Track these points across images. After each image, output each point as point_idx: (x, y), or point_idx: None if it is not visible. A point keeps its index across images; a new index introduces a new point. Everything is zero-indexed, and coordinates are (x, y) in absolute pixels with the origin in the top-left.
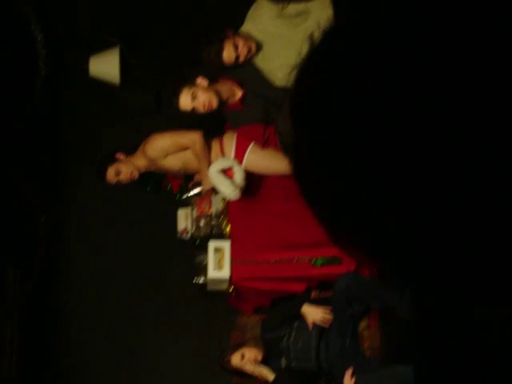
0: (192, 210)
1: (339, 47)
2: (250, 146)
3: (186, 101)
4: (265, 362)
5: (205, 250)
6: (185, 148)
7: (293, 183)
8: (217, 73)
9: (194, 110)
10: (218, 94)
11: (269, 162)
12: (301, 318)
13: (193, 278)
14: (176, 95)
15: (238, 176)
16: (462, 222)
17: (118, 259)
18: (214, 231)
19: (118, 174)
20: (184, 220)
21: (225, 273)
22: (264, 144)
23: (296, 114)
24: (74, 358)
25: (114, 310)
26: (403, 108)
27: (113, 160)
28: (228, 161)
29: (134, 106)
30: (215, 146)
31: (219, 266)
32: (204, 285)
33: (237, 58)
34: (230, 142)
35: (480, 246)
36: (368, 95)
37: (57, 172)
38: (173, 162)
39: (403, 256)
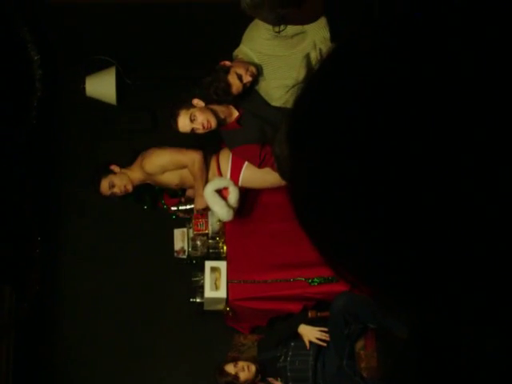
0: (188, 229)
1: (338, 74)
2: (246, 163)
3: (184, 123)
4: (261, 380)
5: (201, 269)
6: (183, 166)
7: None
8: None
9: (193, 130)
10: (216, 114)
11: (265, 175)
12: (297, 337)
13: (189, 298)
14: (174, 118)
15: (233, 197)
16: (450, 252)
17: (115, 278)
18: (210, 251)
19: (111, 186)
20: (181, 239)
21: (221, 293)
22: (260, 164)
23: (293, 141)
24: (69, 378)
25: (109, 330)
26: (404, 138)
27: (107, 171)
28: (224, 181)
29: (130, 126)
30: (212, 162)
31: (216, 286)
32: (201, 304)
33: (244, 86)
34: (226, 157)
35: (471, 275)
36: (368, 125)
37: (53, 191)
38: (170, 178)
39: (394, 286)
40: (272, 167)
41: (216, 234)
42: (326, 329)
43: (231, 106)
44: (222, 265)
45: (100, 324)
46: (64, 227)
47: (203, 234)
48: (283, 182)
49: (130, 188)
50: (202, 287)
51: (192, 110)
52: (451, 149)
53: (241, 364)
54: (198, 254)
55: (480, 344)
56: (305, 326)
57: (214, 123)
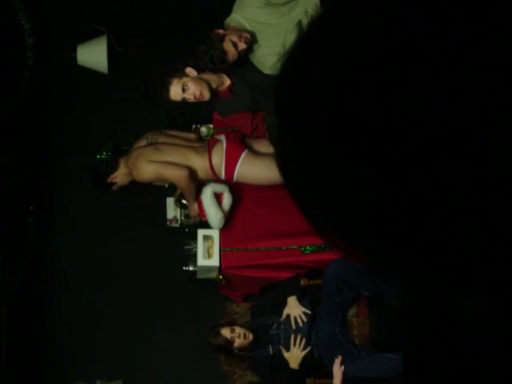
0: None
1: (325, 36)
2: (241, 159)
3: (176, 92)
4: (254, 348)
5: (194, 238)
6: (169, 181)
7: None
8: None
9: (184, 100)
10: (209, 84)
11: (260, 173)
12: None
13: (182, 266)
14: (166, 86)
15: (227, 203)
16: (445, 208)
17: (108, 247)
18: (203, 219)
19: (119, 188)
20: (173, 208)
21: (214, 261)
22: (252, 132)
23: (280, 102)
24: (63, 346)
25: (103, 298)
26: (390, 95)
27: (109, 186)
28: (221, 186)
29: (121, 95)
30: (203, 158)
31: (209, 254)
32: (193, 273)
33: (239, 53)
34: (219, 153)
35: (464, 234)
36: (354, 85)
37: (45, 161)
38: (161, 183)
39: (387, 249)
40: (264, 136)
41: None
42: (309, 312)
43: (223, 75)
44: (215, 233)
45: (93, 292)
46: (56, 196)
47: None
48: (277, 181)
49: (206, 95)
50: (194, 255)
51: (184, 80)
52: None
53: (237, 330)
54: (191, 222)
55: (471, 306)
56: (295, 301)
57: (206, 95)
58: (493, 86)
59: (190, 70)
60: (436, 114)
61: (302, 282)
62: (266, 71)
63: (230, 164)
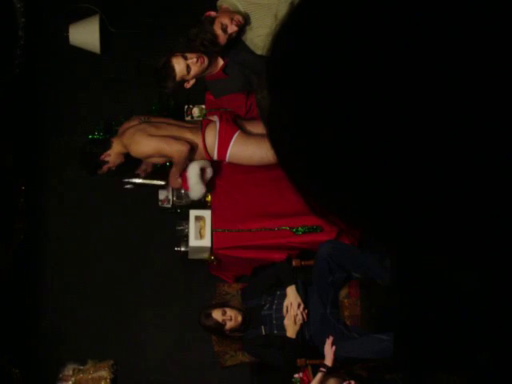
0: None
1: (311, 12)
2: (233, 139)
3: (179, 64)
4: (246, 328)
5: (186, 218)
6: (168, 156)
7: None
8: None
9: (188, 68)
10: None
11: (252, 153)
12: (282, 286)
13: (174, 247)
14: (169, 63)
15: (208, 177)
16: (439, 179)
17: (99, 227)
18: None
19: (109, 170)
20: (165, 189)
21: (206, 242)
22: (246, 113)
23: (270, 76)
24: (54, 326)
25: (95, 278)
26: (380, 65)
27: (101, 164)
28: (205, 162)
29: (113, 75)
30: (197, 138)
31: (200, 234)
32: (185, 253)
33: (229, 36)
34: (212, 133)
35: (457, 206)
36: (341, 57)
37: (37, 141)
38: (156, 160)
39: (381, 218)
40: (258, 116)
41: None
42: (305, 310)
43: (216, 56)
44: (207, 214)
45: (85, 273)
46: (48, 177)
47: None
48: (270, 162)
49: (122, 159)
50: (186, 236)
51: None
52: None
53: (229, 313)
54: (183, 202)
55: (460, 282)
56: (294, 292)
57: (206, 60)
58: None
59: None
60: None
61: (293, 263)
62: (259, 52)
63: (223, 144)
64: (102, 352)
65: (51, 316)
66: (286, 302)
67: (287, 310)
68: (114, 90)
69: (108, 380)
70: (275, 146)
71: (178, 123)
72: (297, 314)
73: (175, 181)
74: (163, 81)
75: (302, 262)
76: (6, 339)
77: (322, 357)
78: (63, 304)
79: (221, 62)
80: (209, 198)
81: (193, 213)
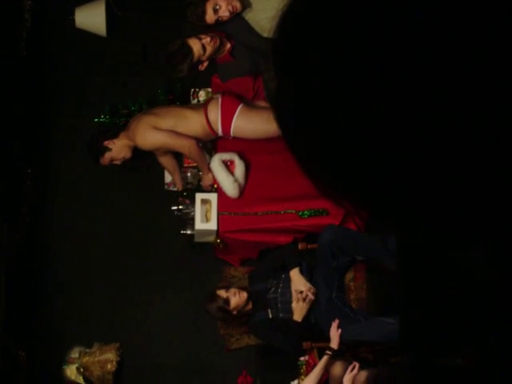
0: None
1: None
2: (237, 112)
3: (195, 45)
4: (252, 312)
5: (192, 202)
6: (176, 151)
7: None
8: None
9: (204, 49)
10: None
11: (257, 125)
12: (288, 270)
13: (180, 230)
14: (185, 44)
15: (239, 170)
16: (445, 159)
17: (105, 210)
18: (201, 183)
19: (111, 161)
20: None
21: (212, 225)
22: (254, 96)
23: (277, 57)
24: (61, 309)
25: (101, 261)
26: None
27: (103, 150)
28: (229, 154)
29: (120, 58)
30: (199, 114)
31: (206, 218)
32: (191, 236)
33: (218, 19)
34: (215, 108)
35: (461, 185)
36: (350, 35)
37: (43, 124)
38: (160, 152)
39: (388, 199)
40: (265, 100)
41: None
42: (313, 289)
43: (224, 38)
44: (213, 197)
45: (91, 255)
46: (54, 160)
47: (194, 167)
48: (273, 133)
49: (128, 154)
50: (192, 219)
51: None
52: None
53: (232, 290)
54: (189, 186)
55: (466, 259)
56: (298, 275)
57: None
58: None
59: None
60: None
61: (299, 247)
62: (265, 34)
63: (226, 118)
64: (108, 335)
65: (58, 299)
66: (295, 287)
67: (284, 280)
68: (120, 73)
69: (114, 362)
70: (282, 126)
71: (180, 106)
72: (307, 296)
73: (206, 177)
74: (179, 63)
75: (308, 245)
76: (13, 322)
77: (328, 340)
78: (70, 287)
79: (228, 45)
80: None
81: (199, 196)
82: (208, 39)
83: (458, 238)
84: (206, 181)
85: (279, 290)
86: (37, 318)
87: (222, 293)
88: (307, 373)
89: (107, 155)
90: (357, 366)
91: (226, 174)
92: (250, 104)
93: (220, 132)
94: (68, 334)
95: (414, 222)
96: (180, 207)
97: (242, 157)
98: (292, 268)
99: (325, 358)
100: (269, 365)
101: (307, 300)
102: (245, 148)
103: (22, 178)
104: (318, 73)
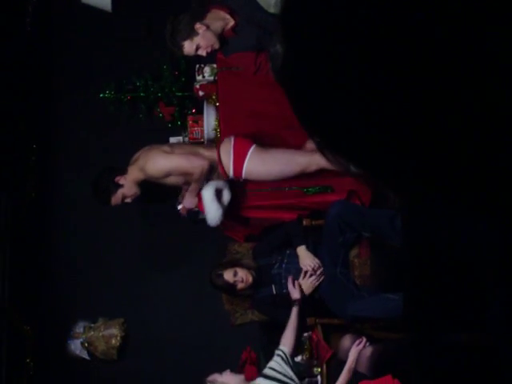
0: (184, 138)
1: None
2: (249, 155)
3: (189, 51)
4: (256, 287)
5: None
6: (189, 174)
7: (287, 113)
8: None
9: (197, 51)
10: (217, 34)
11: (270, 167)
12: (293, 246)
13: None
14: (179, 48)
15: (226, 200)
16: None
17: None
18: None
19: (123, 198)
20: None
21: None
22: (256, 71)
23: (284, 29)
24: (66, 284)
25: (105, 236)
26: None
27: (115, 187)
28: (222, 183)
29: (125, 34)
30: (212, 152)
31: None
32: (196, 212)
33: None
34: (227, 151)
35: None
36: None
37: (48, 100)
38: (174, 180)
39: (393, 163)
40: (267, 74)
41: (212, 142)
42: (320, 266)
43: (227, 15)
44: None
45: (96, 231)
46: (59, 134)
47: (199, 143)
48: (288, 173)
49: (217, 45)
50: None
51: (195, 39)
52: None
53: (240, 274)
54: None
55: (472, 231)
56: (305, 251)
57: (217, 45)
58: None
59: (198, 26)
60: None
61: (304, 223)
62: (272, 10)
63: (239, 159)
64: (113, 310)
65: (63, 274)
66: (303, 263)
67: (289, 256)
68: (125, 48)
69: (118, 338)
70: (290, 95)
71: (193, 145)
72: (314, 273)
73: (192, 199)
74: (184, 40)
75: (313, 222)
76: (18, 296)
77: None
78: (75, 262)
79: (232, 22)
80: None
81: None
82: (203, 48)
83: (463, 206)
84: (190, 203)
85: (283, 266)
86: (42, 293)
87: (230, 276)
88: (311, 349)
89: (119, 192)
90: (364, 340)
91: (217, 207)
92: (263, 144)
93: (231, 174)
94: (73, 309)
95: (419, 188)
96: None
97: (231, 187)
98: (298, 245)
99: (294, 309)
100: (272, 340)
101: (316, 276)
102: (249, 125)
103: (27, 153)
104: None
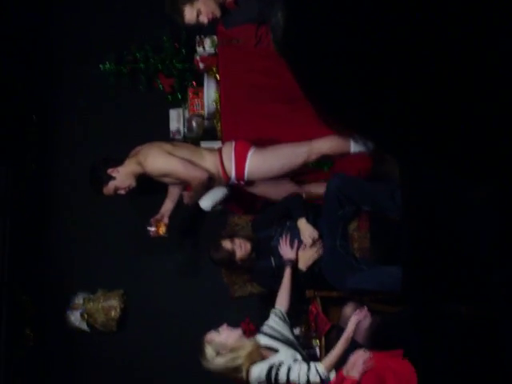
0: (184, 110)
1: None
2: (249, 155)
3: (190, 18)
4: (256, 259)
5: None
6: (182, 181)
7: (287, 86)
8: None
9: (198, 22)
10: (218, 2)
11: (272, 163)
12: (292, 218)
13: None
14: (179, 13)
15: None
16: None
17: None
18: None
19: (115, 190)
20: (176, 120)
21: None
22: (256, 44)
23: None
24: (65, 255)
25: (105, 208)
26: None
27: (107, 178)
28: (220, 193)
29: (125, 4)
30: (214, 155)
31: None
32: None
33: None
34: (228, 153)
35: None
36: None
37: (48, 70)
38: (171, 181)
39: (393, 130)
40: (268, 47)
41: (212, 114)
42: (320, 239)
43: None
44: (217, 145)
45: (96, 203)
46: (59, 106)
47: (199, 115)
48: (290, 166)
49: (133, 183)
50: None
51: (196, 4)
52: None
53: (237, 241)
54: (194, 135)
55: (471, 201)
56: (305, 224)
57: (218, 14)
58: None
59: None
60: None
61: (304, 195)
62: None
63: (240, 161)
64: (113, 282)
65: (63, 245)
66: (303, 235)
67: (288, 228)
68: (125, 18)
69: (118, 309)
70: (291, 66)
71: (195, 146)
72: (314, 245)
73: (192, 200)
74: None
75: (312, 194)
76: (18, 267)
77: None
78: (75, 234)
79: None
80: (219, 125)
81: (203, 144)
82: (204, 15)
83: (464, 170)
84: (190, 202)
85: (283, 237)
86: (42, 264)
87: (228, 244)
88: (309, 321)
89: (111, 184)
90: (364, 311)
91: (212, 203)
92: (262, 145)
93: (233, 176)
94: (72, 280)
95: (419, 154)
96: None
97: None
98: (298, 218)
99: (287, 269)
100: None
101: (316, 248)
102: (249, 96)
103: (27, 124)
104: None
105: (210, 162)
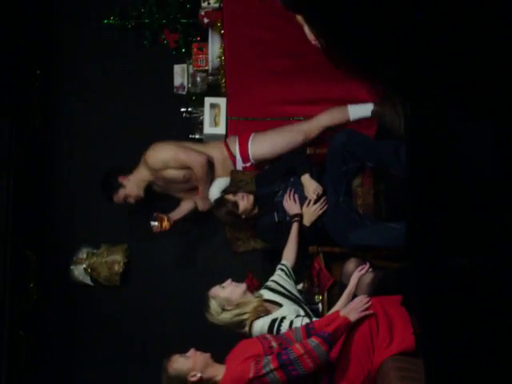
0: (189, 65)
1: None
2: (251, 138)
3: None
4: (259, 214)
5: (201, 105)
6: (186, 167)
7: (291, 41)
8: None
9: None
10: None
11: (274, 139)
12: (296, 173)
13: (189, 134)
14: None
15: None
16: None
17: (114, 113)
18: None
19: (125, 198)
20: (180, 75)
21: (221, 129)
22: (261, 0)
23: None
24: (68, 210)
25: (109, 164)
26: None
27: (117, 186)
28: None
29: None
30: (222, 149)
31: (215, 122)
32: (200, 140)
33: None
34: (233, 137)
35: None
36: None
37: (52, 25)
38: (174, 174)
39: (400, 69)
40: (273, 2)
41: (216, 70)
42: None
43: None
44: (222, 101)
45: (97, 159)
46: (63, 60)
47: (203, 71)
48: (292, 143)
49: (141, 193)
50: (201, 123)
51: None
52: None
53: (240, 193)
54: (198, 90)
55: (470, 142)
56: (309, 180)
57: None
58: None
59: None
60: None
61: (308, 151)
62: None
63: (243, 144)
64: (116, 236)
65: (66, 200)
66: (307, 191)
67: (292, 184)
68: None
69: (121, 264)
70: (305, 13)
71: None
72: (318, 201)
73: (205, 201)
74: None
75: (316, 150)
76: (22, 223)
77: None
78: (79, 189)
79: None
80: (223, 81)
81: (208, 100)
82: None
83: (467, 111)
84: (203, 206)
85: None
86: (45, 219)
87: (230, 197)
88: (312, 277)
89: (121, 192)
90: (367, 266)
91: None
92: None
93: (239, 157)
94: (76, 235)
95: (423, 90)
96: (189, 109)
97: None
98: (302, 174)
99: (294, 224)
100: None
101: (319, 204)
102: (254, 51)
103: (31, 79)
104: None
105: (213, 147)
